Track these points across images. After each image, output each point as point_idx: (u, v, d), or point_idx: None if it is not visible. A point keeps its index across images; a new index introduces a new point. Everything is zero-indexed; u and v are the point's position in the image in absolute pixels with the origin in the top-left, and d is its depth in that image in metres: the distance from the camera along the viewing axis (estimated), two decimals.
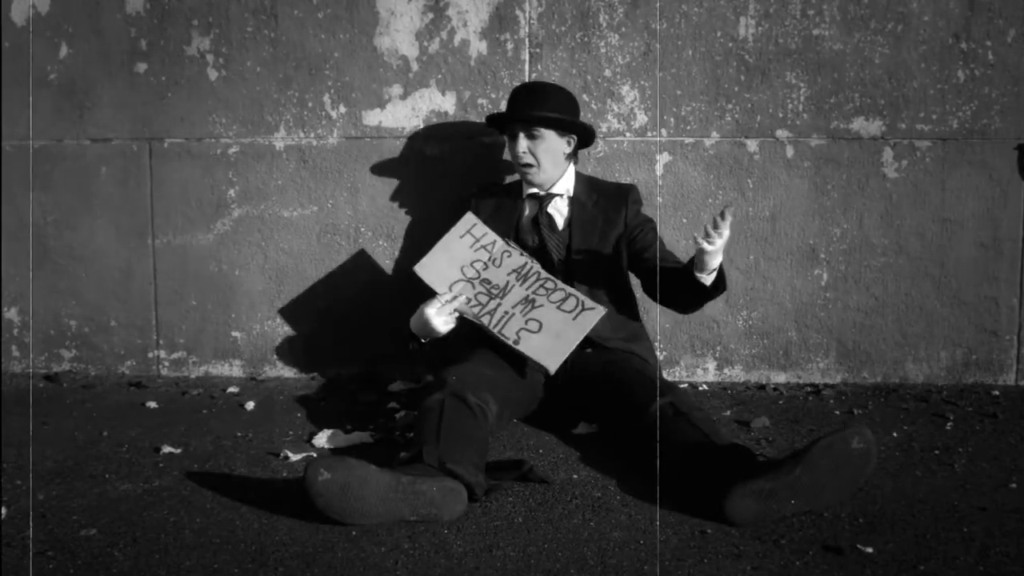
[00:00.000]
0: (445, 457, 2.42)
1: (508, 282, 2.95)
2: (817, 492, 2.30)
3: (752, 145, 3.48)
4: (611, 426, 2.95)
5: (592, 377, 2.93)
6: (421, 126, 3.53)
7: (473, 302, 2.93)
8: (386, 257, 3.58)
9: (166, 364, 3.68)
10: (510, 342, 2.85)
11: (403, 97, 3.53)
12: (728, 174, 3.49)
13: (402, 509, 2.30)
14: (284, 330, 3.64)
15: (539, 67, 3.48)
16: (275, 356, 3.66)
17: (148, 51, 3.56)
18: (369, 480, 2.26)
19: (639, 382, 2.78)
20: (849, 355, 3.56)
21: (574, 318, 2.86)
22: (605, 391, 2.87)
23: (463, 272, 2.98)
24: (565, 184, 3.13)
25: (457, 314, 2.93)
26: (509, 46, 3.49)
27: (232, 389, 3.51)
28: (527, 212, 3.14)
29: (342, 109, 3.54)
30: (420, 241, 3.55)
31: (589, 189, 3.15)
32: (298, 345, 3.65)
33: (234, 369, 3.67)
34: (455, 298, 2.92)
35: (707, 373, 3.58)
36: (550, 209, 3.12)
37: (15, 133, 3.62)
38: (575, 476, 2.66)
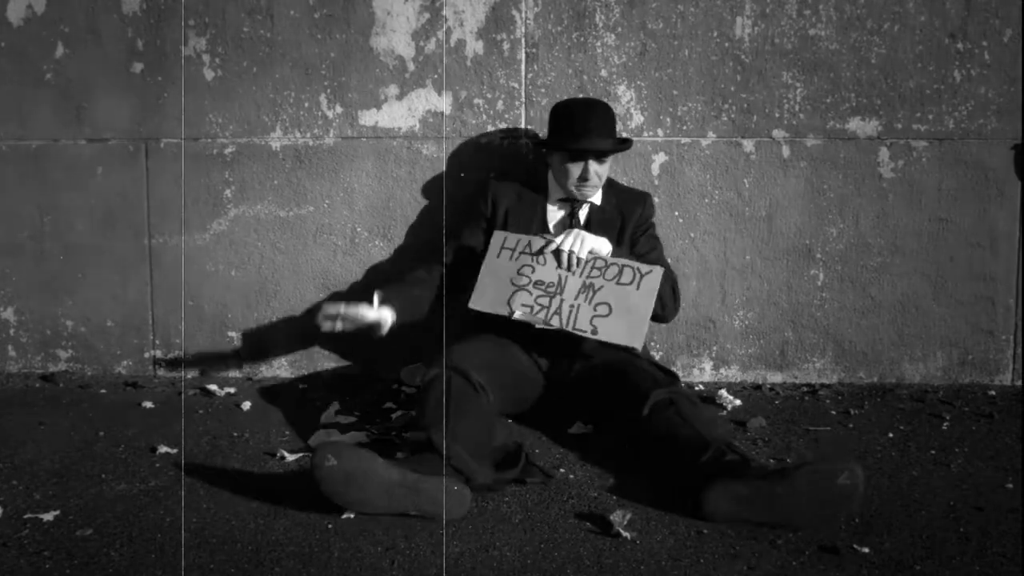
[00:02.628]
0: (451, 448, 2.45)
1: (560, 276, 2.96)
2: (792, 513, 2.29)
3: (748, 145, 3.48)
4: (609, 422, 2.98)
5: (595, 374, 2.97)
6: (417, 126, 3.53)
7: (536, 307, 2.93)
8: (382, 257, 3.58)
9: (162, 364, 3.68)
10: (588, 334, 2.88)
11: (399, 97, 3.53)
12: (724, 174, 3.50)
13: (404, 504, 2.34)
14: (281, 330, 3.64)
15: (535, 67, 3.48)
16: (271, 356, 3.65)
17: (144, 51, 3.55)
18: (374, 473, 2.30)
19: (642, 375, 2.83)
20: (845, 355, 3.56)
21: (637, 287, 2.91)
22: (608, 384, 2.90)
23: (513, 283, 2.97)
24: (597, 193, 3.19)
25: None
26: (505, 46, 3.49)
27: (228, 389, 3.50)
28: (559, 214, 3.17)
29: (338, 109, 3.54)
30: (416, 241, 3.55)
31: (608, 191, 3.21)
32: (294, 345, 3.64)
33: (230, 369, 3.66)
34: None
35: (703, 373, 3.58)
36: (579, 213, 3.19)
37: (12, 133, 3.61)
38: (571, 476, 2.66)
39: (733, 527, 2.32)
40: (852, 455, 2.67)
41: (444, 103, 3.51)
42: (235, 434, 3.04)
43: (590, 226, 3.14)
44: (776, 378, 3.59)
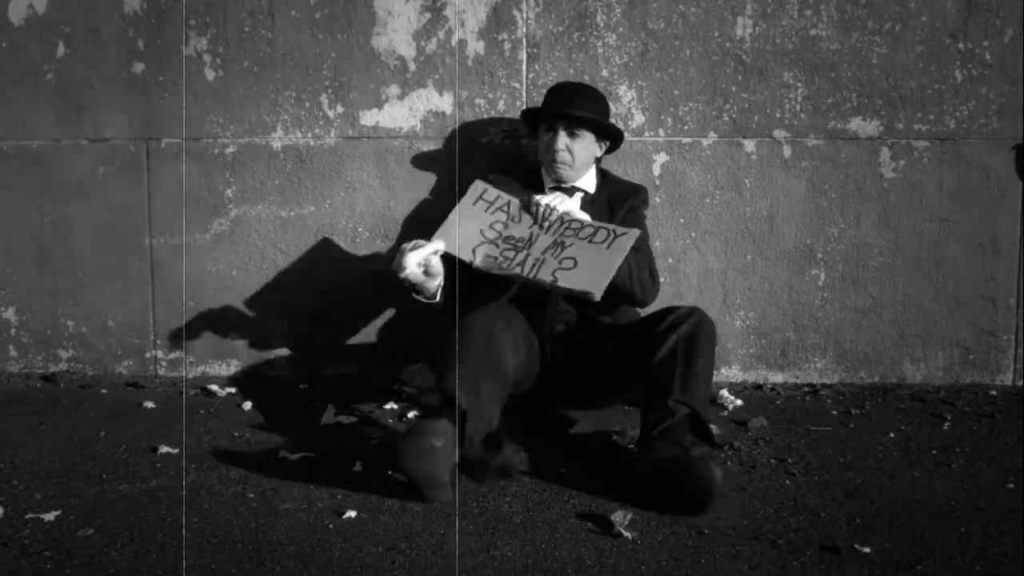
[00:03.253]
0: (470, 440, 2.51)
1: (532, 233, 2.89)
2: (653, 497, 2.46)
3: (749, 145, 3.48)
4: (611, 386, 3.00)
5: (599, 335, 2.98)
6: (418, 126, 3.53)
7: (501, 259, 2.84)
8: (384, 257, 3.58)
9: (163, 364, 3.68)
10: (547, 283, 2.76)
11: (400, 97, 3.53)
12: (725, 174, 3.49)
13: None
14: (281, 330, 3.64)
15: (536, 67, 3.48)
16: (272, 356, 3.65)
17: (145, 51, 3.55)
18: (437, 475, 2.41)
19: (653, 318, 2.83)
20: (847, 355, 3.56)
21: (608, 246, 2.80)
22: (614, 340, 2.91)
23: (483, 235, 2.91)
24: (588, 181, 3.17)
25: (423, 268, 2.81)
26: (506, 46, 3.48)
27: (229, 389, 3.51)
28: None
29: (339, 109, 3.54)
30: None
31: (603, 184, 3.20)
32: (295, 345, 3.64)
33: (231, 369, 3.66)
34: (436, 252, 2.84)
35: None
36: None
37: (13, 133, 3.61)
38: (572, 476, 2.66)
39: (734, 527, 2.33)
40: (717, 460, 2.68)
41: (455, 102, 3.51)
42: (236, 434, 3.04)
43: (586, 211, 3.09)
44: (777, 378, 3.58)
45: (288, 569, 2.11)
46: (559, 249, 2.82)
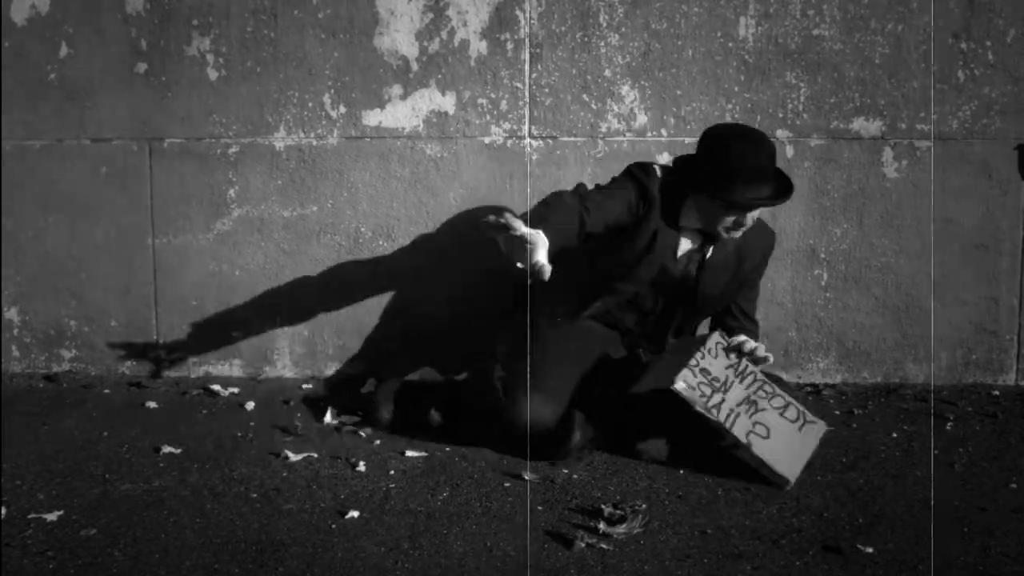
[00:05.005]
0: None
1: (727, 376, 2.78)
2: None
3: None
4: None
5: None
6: (421, 126, 3.53)
7: (698, 392, 2.71)
8: (386, 257, 3.58)
9: (166, 364, 3.68)
10: (742, 440, 2.67)
11: (403, 97, 3.53)
12: None
13: None
14: (284, 330, 3.64)
15: (539, 67, 3.48)
16: (275, 356, 3.65)
17: (148, 51, 3.55)
18: None
19: None
20: (849, 355, 3.56)
21: (799, 429, 2.75)
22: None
23: (683, 364, 2.76)
24: None
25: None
26: (509, 46, 3.48)
27: (232, 389, 3.51)
28: (687, 245, 2.94)
29: (342, 109, 3.54)
30: (420, 241, 3.55)
31: None
32: (298, 345, 3.64)
33: (234, 369, 3.67)
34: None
35: None
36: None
37: (15, 133, 3.61)
38: (575, 476, 2.66)
39: (737, 527, 2.33)
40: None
41: (457, 102, 3.51)
42: (239, 434, 3.04)
43: (711, 264, 2.96)
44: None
45: (291, 569, 2.12)
46: (752, 408, 2.75)
